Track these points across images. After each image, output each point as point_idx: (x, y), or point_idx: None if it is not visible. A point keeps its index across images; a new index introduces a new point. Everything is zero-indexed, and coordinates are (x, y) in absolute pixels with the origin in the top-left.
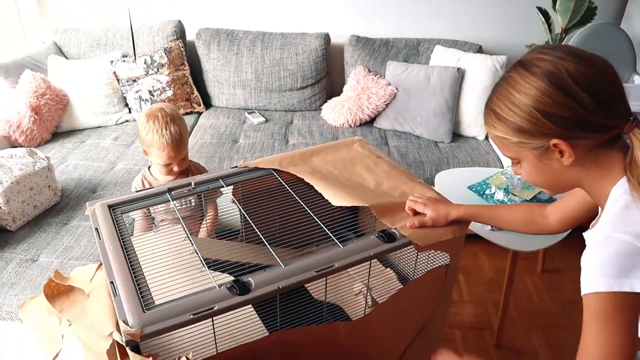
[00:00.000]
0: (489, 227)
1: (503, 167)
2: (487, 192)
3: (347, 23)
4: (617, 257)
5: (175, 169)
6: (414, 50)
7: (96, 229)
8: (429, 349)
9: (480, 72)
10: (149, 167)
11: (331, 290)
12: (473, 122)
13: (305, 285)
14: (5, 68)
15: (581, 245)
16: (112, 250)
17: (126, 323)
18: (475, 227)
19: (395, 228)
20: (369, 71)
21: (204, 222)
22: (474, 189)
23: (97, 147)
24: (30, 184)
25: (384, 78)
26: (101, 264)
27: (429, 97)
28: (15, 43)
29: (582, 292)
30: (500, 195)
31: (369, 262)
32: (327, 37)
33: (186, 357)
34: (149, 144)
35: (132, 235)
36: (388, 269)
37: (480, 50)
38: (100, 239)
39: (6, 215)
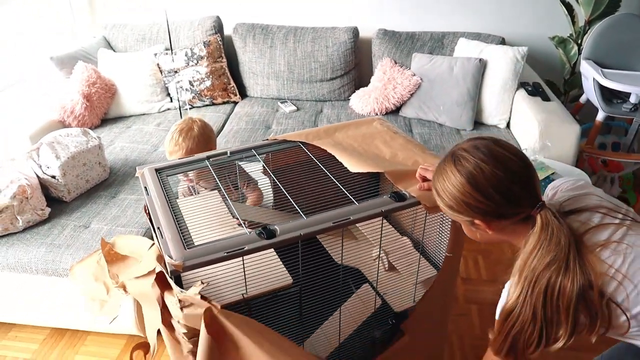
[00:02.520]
0: None
1: None
2: None
3: (375, 17)
4: None
5: (190, 175)
6: (438, 43)
7: (145, 187)
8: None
9: (502, 63)
10: None
11: (352, 255)
12: (494, 111)
13: (327, 249)
14: (61, 60)
15: None
16: (158, 202)
17: (170, 257)
18: None
19: (407, 191)
20: (395, 63)
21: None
22: None
23: (141, 131)
24: (83, 159)
25: (409, 69)
26: (153, 244)
27: (452, 87)
28: (69, 38)
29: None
30: None
31: (381, 221)
32: (355, 31)
33: (202, 281)
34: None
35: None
36: (404, 237)
37: (503, 42)
38: (148, 195)
39: (62, 187)
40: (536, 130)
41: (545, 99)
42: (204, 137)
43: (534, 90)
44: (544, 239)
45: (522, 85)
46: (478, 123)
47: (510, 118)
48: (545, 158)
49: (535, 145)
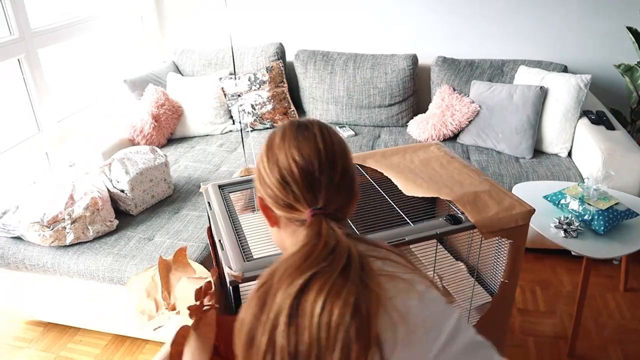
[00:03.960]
0: (562, 233)
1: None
2: (562, 201)
3: (434, 45)
4: None
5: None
6: (498, 71)
7: (208, 202)
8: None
9: (564, 91)
10: None
11: None
12: (555, 139)
13: None
14: (133, 83)
15: None
16: (221, 217)
17: (230, 268)
18: (549, 233)
19: (463, 212)
20: (454, 90)
21: None
22: (549, 199)
23: (204, 151)
24: (150, 176)
25: (467, 96)
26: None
27: (511, 115)
28: (141, 62)
29: None
30: (574, 205)
31: (436, 244)
32: (414, 58)
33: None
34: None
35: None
36: (459, 262)
37: (565, 70)
38: (211, 209)
39: (130, 201)
40: (599, 160)
41: (610, 127)
42: None
43: (598, 119)
44: (312, 242)
45: (585, 113)
46: (538, 151)
47: (572, 147)
48: (609, 188)
49: (598, 174)
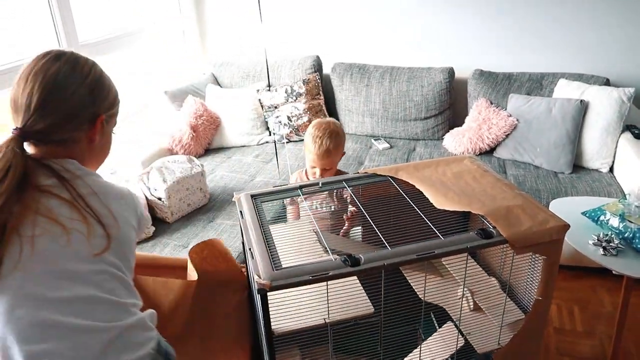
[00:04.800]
0: (601, 251)
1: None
2: (602, 218)
3: (472, 58)
4: None
5: (317, 174)
6: (537, 84)
7: (240, 211)
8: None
9: (606, 104)
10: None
11: (437, 293)
12: (596, 154)
13: (412, 284)
14: (173, 94)
15: None
16: (252, 226)
17: (259, 277)
18: (587, 250)
19: (494, 227)
20: (491, 103)
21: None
22: (587, 215)
23: (240, 162)
24: (187, 184)
25: (505, 110)
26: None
27: (549, 129)
28: (182, 74)
29: None
30: (615, 221)
31: (466, 258)
32: (451, 71)
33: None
34: (305, 144)
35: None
36: (492, 278)
37: (607, 83)
38: (243, 218)
39: (166, 209)
40: None
41: None
42: (343, 141)
43: None
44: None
45: (628, 127)
46: (577, 166)
47: (613, 162)
48: None
49: None
